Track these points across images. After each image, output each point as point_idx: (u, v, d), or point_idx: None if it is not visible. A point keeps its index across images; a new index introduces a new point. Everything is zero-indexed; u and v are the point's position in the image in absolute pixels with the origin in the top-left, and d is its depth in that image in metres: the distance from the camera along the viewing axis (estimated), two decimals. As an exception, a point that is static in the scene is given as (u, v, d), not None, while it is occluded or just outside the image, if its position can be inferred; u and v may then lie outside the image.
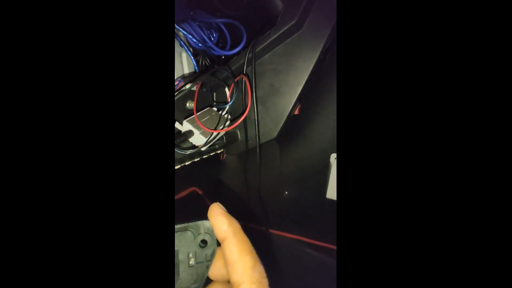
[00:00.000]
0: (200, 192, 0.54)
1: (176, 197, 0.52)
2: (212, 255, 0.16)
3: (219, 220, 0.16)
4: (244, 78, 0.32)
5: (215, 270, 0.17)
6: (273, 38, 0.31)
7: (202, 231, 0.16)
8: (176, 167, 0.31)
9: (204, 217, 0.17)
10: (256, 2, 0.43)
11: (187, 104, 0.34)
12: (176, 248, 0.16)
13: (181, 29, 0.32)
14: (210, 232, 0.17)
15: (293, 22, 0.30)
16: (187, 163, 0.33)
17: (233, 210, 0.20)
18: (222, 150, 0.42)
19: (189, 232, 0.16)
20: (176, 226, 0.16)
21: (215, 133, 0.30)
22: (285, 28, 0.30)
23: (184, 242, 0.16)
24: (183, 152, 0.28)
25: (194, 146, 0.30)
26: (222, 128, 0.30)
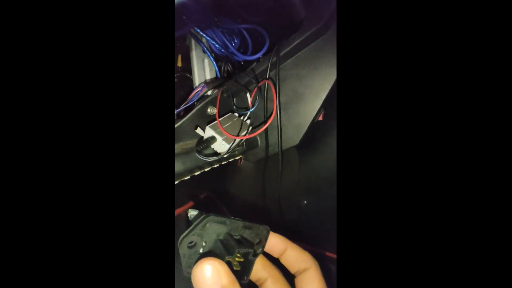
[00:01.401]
0: (215, 198, 0.54)
1: (191, 203, 0.51)
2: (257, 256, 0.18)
3: (303, 252, 0.19)
4: (268, 83, 0.31)
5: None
6: (297, 41, 0.30)
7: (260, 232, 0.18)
8: (196, 173, 0.31)
9: None
10: (277, 9, 0.43)
11: (209, 110, 0.34)
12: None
13: (204, 35, 0.32)
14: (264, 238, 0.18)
15: (319, 25, 0.29)
16: (206, 169, 0.33)
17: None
18: (240, 156, 0.41)
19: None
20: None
21: (237, 139, 0.29)
22: (311, 31, 0.29)
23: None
24: (206, 159, 0.27)
25: (216, 153, 0.29)
26: (244, 134, 0.30)
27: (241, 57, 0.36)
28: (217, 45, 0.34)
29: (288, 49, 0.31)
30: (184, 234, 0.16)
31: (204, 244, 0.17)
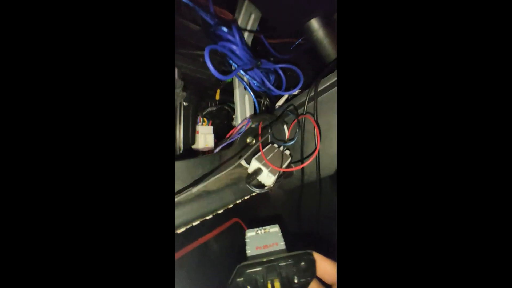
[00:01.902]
0: (242, 224, 0.53)
1: (219, 229, 0.51)
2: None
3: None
4: (308, 117, 0.33)
5: None
6: (333, 81, 0.33)
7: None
8: (237, 202, 0.32)
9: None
10: (303, 45, 0.47)
11: (248, 140, 0.36)
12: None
13: (245, 74, 0.36)
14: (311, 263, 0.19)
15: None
16: (246, 198, 0.34)
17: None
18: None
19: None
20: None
21: (280, 171, 0.30)
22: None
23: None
24: (256, 190, 0.28)
25: (261, 184, 0.31)
26: (286, 166, 0.31)
27: (277, 92, 0.39)
28: (256, 83, 0.37)
29: (325, 86, 0.34)
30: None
31: None
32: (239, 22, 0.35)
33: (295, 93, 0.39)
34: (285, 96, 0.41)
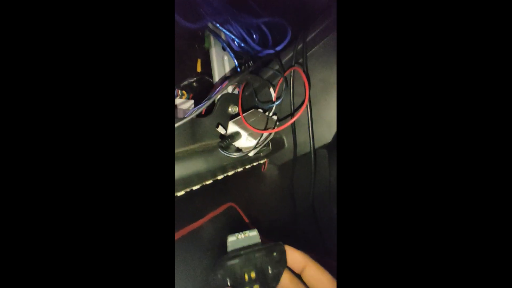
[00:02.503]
0: (238, 208, 0.50)
1: (212, 213, 0.48)
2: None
3: (323, 272, 0.19)
4: (297, 69, 0.28)
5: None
6: (324, 24, 0.27)
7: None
8: (219, 177, 0.27)
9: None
10: (293, 1, 0.41)
11: (230, 109, 0.31)
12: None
13: (223, 29, 0.30)
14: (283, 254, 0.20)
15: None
16: (230, 173, 0.29)
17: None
18: (265, 160, 0.37)
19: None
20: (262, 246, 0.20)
21: (264, 135, 0.25)
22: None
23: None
24: (231, 155, 0.24)
25: (239, 150, 0.26)
26: (272, 129, 0.26)
27: (262, 51, 0.33)
28: (236, 40, 0.32)
29: (314, 34, 0.28)
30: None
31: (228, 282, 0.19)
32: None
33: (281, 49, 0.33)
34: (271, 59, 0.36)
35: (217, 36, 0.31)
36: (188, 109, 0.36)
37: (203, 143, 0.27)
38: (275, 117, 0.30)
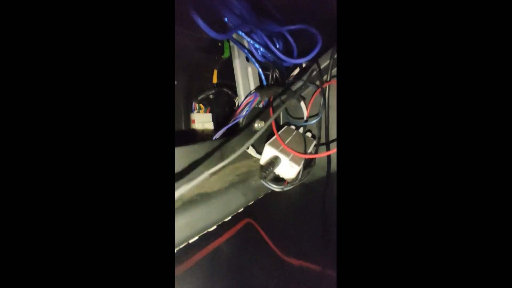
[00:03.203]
0: (256, 225, 0.46)
1: (230, 232, 0.44)
2: None
3: None
4: (336, 83, 0.25)
5: None
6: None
7: None
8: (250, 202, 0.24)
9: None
10: (308, 5, 0.38)
11: (256, 125, 0.28)
12: None
13: (248, 38, 0.27)
14: None
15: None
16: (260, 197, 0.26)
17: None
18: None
19: None
20: None
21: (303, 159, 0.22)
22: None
23: None
24: (276, 188, 0.20)
25: (279, 178, 0.23)
26: (315, 152, 0.23)
27: (289, 61, 0.30)
28: (261, 50, 0.29)
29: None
30: None
31: None
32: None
33: (309, 60, 0.30)
34: (297, 70, 0.33)
35: (241, 46, 0.28)
36: (206, 123, 0.33)
37: (232, 167, 0.24)
38: (309, 134, 0.27)
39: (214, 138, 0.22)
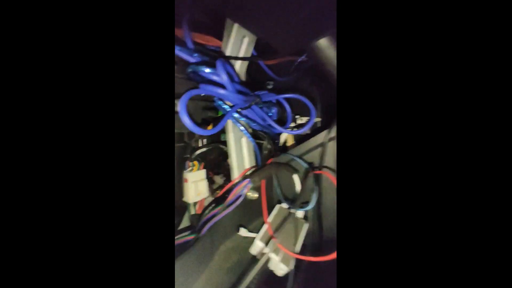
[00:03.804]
0: None
1: None
2: None
3: None
4: (327, 174, 0.25)
5: None
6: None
7: None
8: None
9: None
10: (304, 63, 0.39)
11: (249, 194, 0.28)
12: None
13: (241, 117, 0.28)
14: None
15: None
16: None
17: None
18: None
19: None
20: None
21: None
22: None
23: None
24: None
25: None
26: (304, 252, 0.23)
27: (282, 131, 0.31)
28: (255, 123, 0.29)
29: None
30: None
31: None
32: (229, 51, 0.27)
33: (308, 131, 0.31)
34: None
35: (235, 121, 0.28)
36: (199, 182, 0.33)
37: (226, 260, 0.24)
38: (301, 214, 0.27)
39: (202, 232, 0.23)
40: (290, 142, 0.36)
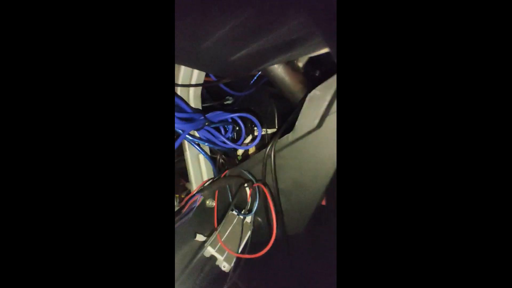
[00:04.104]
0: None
1: None
2: None
3: None
4: (261, 186, 0.30)
5: None
6: (291, 141, 0.30)
7: None
8: None
9: None
10: (261, 79, 0.42)
11: (207, 202, 0.33)
12: None
13: (197, 140, 0.32)
14: None
15: (313, 127, 0.28)
16: None
17: None
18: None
19: None
20: None
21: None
22: (304, 133, 0.29)
23: None
24: None
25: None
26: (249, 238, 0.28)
27: (233, 146, 0.35)
28: (208, 143, 0.33)
29: (282, 146, 0.30)
30: None
31: None
32: (180, 80, 0.30)
33: (253, 149, 0.35)
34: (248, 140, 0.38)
35: (190, 140, 0.32)
36: None
37: (181, 253, 0.28)
38: (249, 219, 0.32)
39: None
40: (252, 151, 0.40)
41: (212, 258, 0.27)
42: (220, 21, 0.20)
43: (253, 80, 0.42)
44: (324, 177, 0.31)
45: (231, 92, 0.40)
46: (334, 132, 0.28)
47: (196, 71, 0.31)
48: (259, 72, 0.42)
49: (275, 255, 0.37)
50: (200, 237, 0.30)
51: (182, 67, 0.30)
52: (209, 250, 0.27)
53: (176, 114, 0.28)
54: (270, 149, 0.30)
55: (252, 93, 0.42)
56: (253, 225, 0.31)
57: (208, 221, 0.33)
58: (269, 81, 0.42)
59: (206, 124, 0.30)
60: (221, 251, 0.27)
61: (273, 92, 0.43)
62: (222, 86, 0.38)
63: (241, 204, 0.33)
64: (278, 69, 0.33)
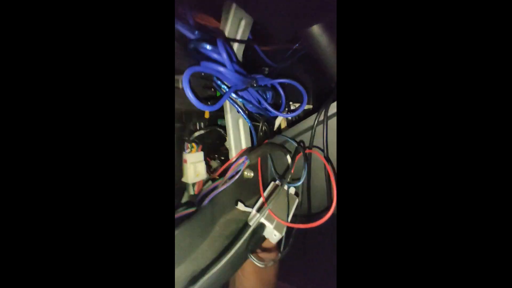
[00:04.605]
0: None
1: None
2: None
3: None
4: (316, 153, 0.27)
5: None
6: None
7: None
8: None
9: None
10: (298, 51, 0.40)
11: (246, 173, 0.30)
12: None
13: (238, 97, 0.29)
14: None
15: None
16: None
17: None
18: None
19: None
20: None
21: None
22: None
23: None
24: (262, 265, 0.22)
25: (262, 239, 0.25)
26: (296, 211, 0.25)
27: (276, 114, 0.32)
28: (251, 104, 0.30)
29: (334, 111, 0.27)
30: None
31: None
32: (227, 32, 0.27)
33: (301, 114, 0.32)
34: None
35: (232, 102, 0.29)
36: (198, 162, 0.33)
37: (222, 221, 0.26)
38: (293, 190, 0.29)
39: (204, 203, 0.24)
40: (283, 125, 0.38)
41: (260, 227, 0.24)
42: None
43: (290, 52, 0.40)
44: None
45: (268, 61, 0.37)
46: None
47: (242, 26, 0.29)
48: (297, 44, 0.39)
49: (326, 229, 0.35)
50: (241, 206, 0.27)
51: (230, 19, 0.27)
52: (258, 218, 0.24)
53: (222, 69, 0.25)
54: (324, 115, 0.27)
55: (287, 67, 0.39)
56: (300, 196, 0.28)
57: (248, 191, 0.30)
58: (303, 54, 0.40)
59: (253, 83, 0.28)
60: (270, 220, 0.24)
61: (307, 68, 0.41)
62: (260, 52, 0.35)
63: (283, 174, 0.30)
64: (322, 38, 0.31)
